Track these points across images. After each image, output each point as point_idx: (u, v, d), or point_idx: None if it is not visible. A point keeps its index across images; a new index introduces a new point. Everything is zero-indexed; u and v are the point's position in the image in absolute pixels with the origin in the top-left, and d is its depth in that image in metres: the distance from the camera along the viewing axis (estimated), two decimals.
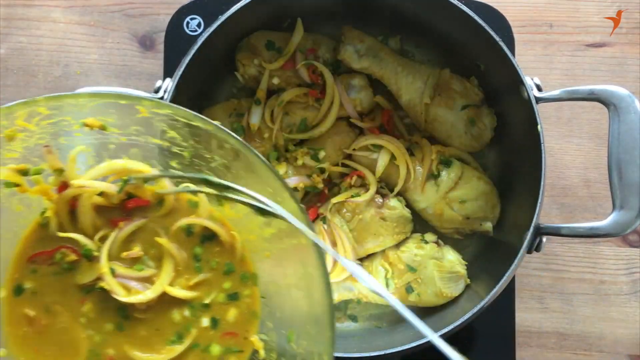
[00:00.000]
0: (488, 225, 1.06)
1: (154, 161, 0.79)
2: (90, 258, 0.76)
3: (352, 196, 1.06)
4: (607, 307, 1.14)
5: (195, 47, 0.96)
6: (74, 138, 0.73)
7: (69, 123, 0.72)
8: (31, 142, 0.72)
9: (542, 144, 0.93)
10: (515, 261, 0.93)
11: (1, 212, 0.75)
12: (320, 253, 0.67)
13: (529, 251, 0.94)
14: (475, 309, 0.92)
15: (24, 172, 0.73)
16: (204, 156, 0.76)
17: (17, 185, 0.73)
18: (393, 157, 1.07)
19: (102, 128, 0.73)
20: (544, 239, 0.94)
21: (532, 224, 0.92)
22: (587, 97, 0.93)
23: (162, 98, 0.95)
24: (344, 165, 1.11)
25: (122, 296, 0.74)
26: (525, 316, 1.14)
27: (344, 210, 1.07)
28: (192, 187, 0.77)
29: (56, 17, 1.19)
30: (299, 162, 1.07)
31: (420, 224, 1.10)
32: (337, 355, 0.92)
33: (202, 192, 0.76)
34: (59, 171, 0.74)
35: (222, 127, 0.69)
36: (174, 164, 0.79)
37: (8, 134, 0.69)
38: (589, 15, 1.19)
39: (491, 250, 1.08)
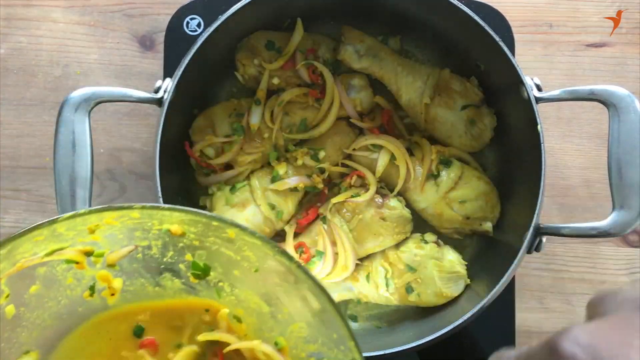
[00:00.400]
0: (488, 225, 1.06)
1: (217, 264, 0.78)
2: None
3: (352, 196, 1.06)
4: None
5: (195, 47, 0.96)
6: (149, 234, 0.74)
7: (153, 224, 0.72)
8: (108, 232, 0.72)
9: (542, 144, 0.93)
10: (515, 261, 0.93)
11: (54, 282, 0.75)
12: None
13: (529, 251, 0.94)
14: (475, 309, 0.92)
15: (88, 253, 0.74)
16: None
17: (77, 262, 0.73)
18: (393, 157, 1.07)
19: (183, 235, 0.74)
20: (544, 239, 0.94)
21: (532, 224, 0.92)
22: (587, 97, 0.93)
23: (162, 98, 0.95)
24: (344, 165, 1.11)
25: None
26: (525, 316, 1.14)
27: (344, 210, 1.07)
28: None
29: (56, 17, 1.19)
30: (299, 162, 1.07)
31: (420, 224, 1.10)
32: None
33: None
34: (111, 265, 0.76)
35: (303, 267, 0.68)
36: (236, 272, 0.78)
37: (91, 227, 0.70)
38: (589, 15, 1.19)
39: (491, 250, 1.08)
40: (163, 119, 0.94)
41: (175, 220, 0.72)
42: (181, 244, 0.76)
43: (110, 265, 0.76)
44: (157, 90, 0.96)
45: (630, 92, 0.91)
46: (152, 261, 0.78)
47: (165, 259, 0.78)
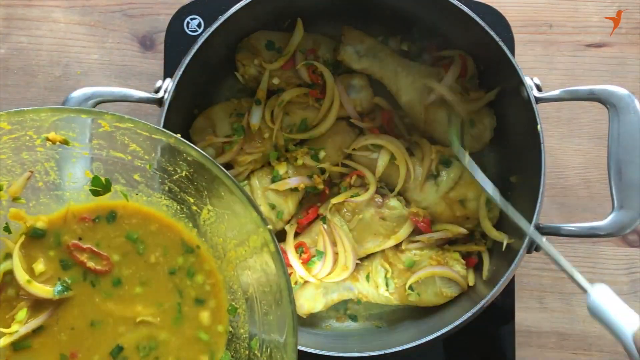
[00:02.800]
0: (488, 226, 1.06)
1: (117, 174, 0.80)
2: None
3: (352, 196, 1.06)
4: None
5: (196, 47, 0.96)
6: (36, 153, 0.74)
7: (31, 138, 0.72)
8: None
9: (542, 144, 0.93)
10: (515, 261, 0.93)
11: None
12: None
13: (529, 251, 0.94)
14: (475, 309, 0.93)
15: None
16: (166, 169, 0.77)
17: None
18: (393, 157, 1.07)
19: (64, 142, 0.74)
20: (544, 239, 0.94)
21: (532, 224, 0.92)
22: (587, 97, 0.93)
23: (162, 98, 0.95)
24: (344, 165, 1.11)
25: None
26: (525, 316, 1.14)
27: (344, 210, 1.07)
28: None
29: (56, 17, 1.19)
30: (299, 162, 1.07)
31: None
32: (337, 355, 0.92)
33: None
34: (16, 199, 0.76)
35: (183, 139, 0.70)
36: (136, 177, 0.80)
37: None
38: (589, 15, 1.19)
39: (491, 250, 1.08)
40: (163, 119, 0.94)
41: (46, 122, 0.71)
42: (74, 160, 0.76)
43: (16, 199, 0.76)
44: (157, 90, 0.96)
45: (630, 92, 0.91)
46: (56, 188, 0.79)
47: (67, 183, 0.79)
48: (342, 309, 1.11)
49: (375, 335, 1.08)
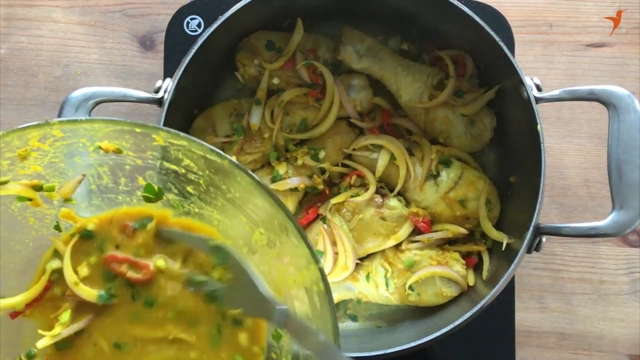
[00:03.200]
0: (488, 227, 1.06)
1: (170, 184, 0.79)
2: None
3: (352, 196, 1.06)
4: (606, 307, 1.14)
5: (195, 47, 0.96)
6: (89, 158, 0.75)
7: (84, 145, 0.73)
8: (45, 161, 0.73)
9: (542, 144, 0.93)
10: (515, 261, 0.93)
11: (15, 223, 0.77)
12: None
13: (529, 251, 0.94)
14: (475, 309, 0.92)
15: (38, 188, 0.75)
16: (220, 187, 0.76)
17: (29, 199, 0.74)
18: (393, 157, 1.07)
19: (117, 151, 0.74)
20: (544, 239, 0.94)
21: (532, 224, 0.92)
22: (587, 97, 0.93)
23: (162, 98, 0.95)
24: (344, 165, 1.11)
25: None
26: (525, 316, 1.14)
27: (344, 210, 1.07)
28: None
29: (56, 17, 1.19)
30: (299, 162, 1.07)
31: None
32: None
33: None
34: (67, 200, 0.76)
35: (237, 162, 0.70)
36: (190, 189, 0.79)
37: (21, 153, 0.70)
38: (589, 15, 1.19)
39: (491, 250, 1.08)
40: (163, 119, 0.94)
41: (100, 132, 0.71)
42: (127, 167, 0.76)
43: (67, 200, 0.76)
44: (157, 90, 0.96)
45: (630, 92, 0.91)
46: (108, 191, 0.79)
47: (120, 187, 0.78)
48: (342, 309, 1.11)
49: (375, 335, 1.08)
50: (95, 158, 0.75)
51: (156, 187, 0.79)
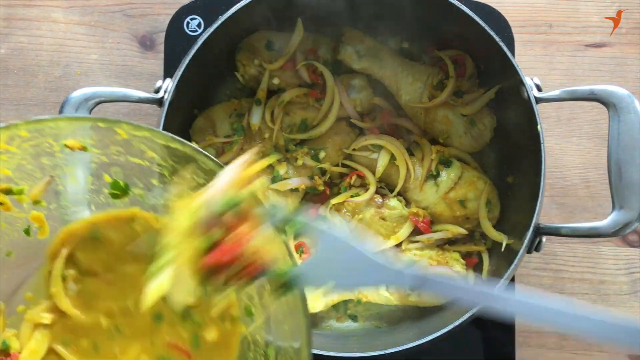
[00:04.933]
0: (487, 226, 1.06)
1: (135, 179, 0.80)
2: None
3: (352, 196, 1.06)
4: (607, 307, 1.14)
5: (195, 47, 0.96)
6: (55, 158, 0.75)
7: (50, 144, 0.73)
8: (13, 163, 0.73)
9: (542, 144, 0.93)
10: (515, 261, 0.93)
11: None
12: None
13: (529, 251, 0.94)
14: (475, 309, 0.92)
15: (7, 192, 0.75)
16: (184, 176, 0.77)
17: (1, 203, 0.75)
18: (393, 157, 1.07)
19: (83, 149, 0.74)
20: (544, 239, 0.94)
21: (532, 224, 0.92)
22: (587, 97, 0.93)
23: (162, 98, 0.95)
24: (344, 165, 1.11)
25: None
26: None
27: (344, 210, 1.07)
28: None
29: (56, 17, 1.19)
30: (299, 162, 1.07)
31: None
32: (337, 355, 0.92)
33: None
34: (36, 202, 0.76)
35: (200, 148, 0.71)
36: (154, 181, 0.80)
37: None
38: (589, 15, 1.19)
39: (491, 250, 1.08)
40: (163, 119, 0.94)
41: (65, 130, 0.72)
42: (93, 164, 0.76)
43: (36, 202, 0.77)
44: (157, 91, 0.96)
45: (630, 92, 0.91)
46: (76, 191, 0.79)
47: (87, 186, 0.79)
48: (342, 309, 1.11)
49: (375, 335, 1.07)
50: (61, 158, 0.75)
51: (122, 183, 0.80)
